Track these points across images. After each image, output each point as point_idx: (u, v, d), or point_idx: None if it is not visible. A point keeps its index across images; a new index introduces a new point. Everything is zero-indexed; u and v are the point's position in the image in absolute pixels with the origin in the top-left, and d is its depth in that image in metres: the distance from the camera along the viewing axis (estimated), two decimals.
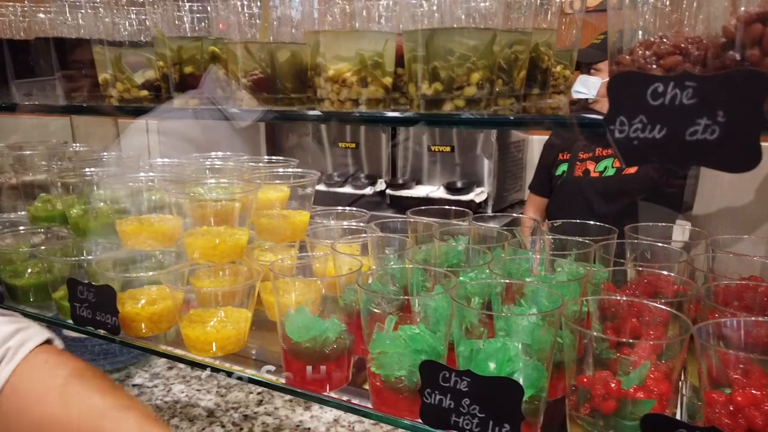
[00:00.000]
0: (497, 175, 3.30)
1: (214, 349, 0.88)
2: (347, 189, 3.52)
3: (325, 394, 0.78)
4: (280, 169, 1.11)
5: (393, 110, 0.67)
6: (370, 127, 3.54)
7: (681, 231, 1.13)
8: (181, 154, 1.26)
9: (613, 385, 0.61)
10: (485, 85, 0.62)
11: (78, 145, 1.48)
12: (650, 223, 1.02)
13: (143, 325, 0.93)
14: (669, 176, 2.46)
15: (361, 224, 1.14)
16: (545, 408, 0.69)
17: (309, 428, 1.33)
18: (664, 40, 0.63)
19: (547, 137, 2.91)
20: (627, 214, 2.41)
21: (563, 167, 2.64)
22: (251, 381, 0.81)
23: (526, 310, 0.78)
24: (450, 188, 3.25)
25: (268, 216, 1.05)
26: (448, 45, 0.61)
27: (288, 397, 1.40)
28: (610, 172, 2.53)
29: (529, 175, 3.11)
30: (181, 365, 1.55)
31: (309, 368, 0.76)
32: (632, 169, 2.46)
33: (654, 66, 0.61)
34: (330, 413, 1.36)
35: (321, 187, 3.57)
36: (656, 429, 0.54)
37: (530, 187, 2.85)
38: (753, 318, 0.61)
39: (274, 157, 1.25)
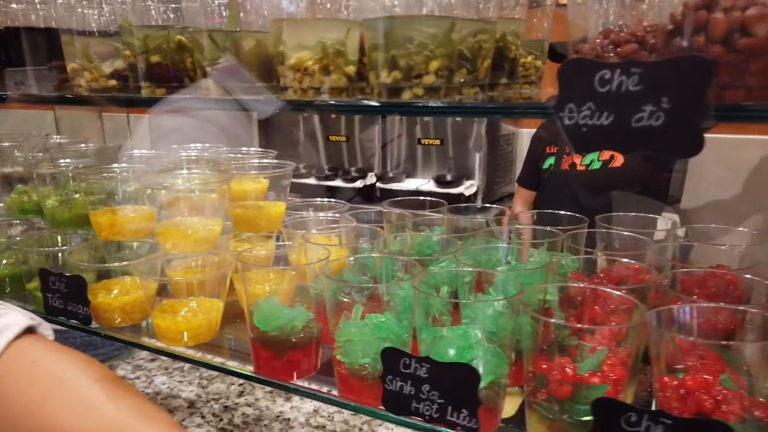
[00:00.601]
0: (487, 168, 3.31)
1: (185, 338, 0.89)
2: (338, 182, 3.52)
3: (292, 382, 0.78)
4: (255, 160, 1.11)
5: (348, 99, 0.67)
6: (362, 121, 3.54)
7: (666, 223, 1.14)
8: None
9: (569, 370, 0.62)
10: (444, 73, 0.63)
11: (58, 137, 1.48)
12: (631, 214, 1.03)
13: (116, 316, 0.94)
14: (655, 169, 2.47)
15: (338, 215, 1.15)
16: (505, 394, 0.70)
17: (288, 419, 1.34)
18: (624, 28, 0.63)
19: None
20: (613, 207, 2.43)
21: (550, 160, 2.65)
22: (217, 369, 0.82)
23: (493, 298, 0.79)
24: (440, 181, 3.26)
25: (243, 207, 1.05)
26: (407, 33, 0.61)
27: (269, 388, 1.41)
28: (596, 165, 2.54)
29: (519, 168, 3.12)
30: (164, 357, 1.56)
31: (276, 357, 0.77)
32: (618, 162, 2.47)
33: (611, 54, 0.62)
34: (310, 404, 1.37)
35: (311, 181, 3.57)
36: (606, 412, 0.55)
37: (518, 180, 2.86)
38: (705, 304, 0.61)
39: (252, 149, 1.25)
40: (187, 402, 1.41)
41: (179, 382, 1.50)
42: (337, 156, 3.71)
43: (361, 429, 1.29)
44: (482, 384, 0.65)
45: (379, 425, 1.28)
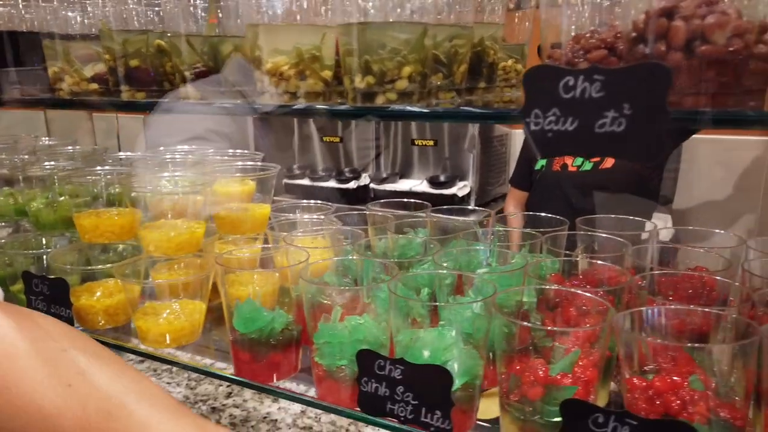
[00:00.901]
0: (480, 169, 3.32)
1: (168, 340, 0.89)
2: (331, 183, 3.53)
3: (271, 383, 0.79)
4: (241, 163, 1.12)
5: (323, 104, 0.68)
6: (356, 122, 3.55)
7: (650, 225, 1.14)
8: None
9: (541, 372, 0.63)
10: (418, 78, 0.63)
11: (47, 138, 1.48)
12: (612, 216, 1.03)
13: (99, 318, 0.94)
14: (646, 170, 2.48)
15: (323, 217, 1.15)
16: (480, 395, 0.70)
17: (275, 420, 1.34)
18: (595, 34, 0.64)
19: None
20: (605, 208, 2.44)
21: (542, 162, 2.66)
22: (195, 370, 0.82)
23: (467, 300, 0.79)
24: (433, 182, 3.27)
25: (228, 209, 1.05)
26: (380, 39, 0.62)
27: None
28: (587, 166, 2.55)
29: (513, 169, 3.13)
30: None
31: (256, 359, 0.77)
32: (608, 164, 2.49)
33: (582, 60, 0.62)
34: (297, 405, 1.38)
35: (305, 182, 3.58)
36: (574, 413, 0.56)
37: (511, 180, 2.87)
38: (674, 306, 0.62)
39: (239, 151, 1.26)
40: None
41: (167, 383, 1.50)
42: (331, 157, 3.72)
43: (347, 430, 1.29)
44: (456, 385, 0.66)
45: (366, 426, 1.28)
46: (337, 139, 3.68)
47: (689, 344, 0.57)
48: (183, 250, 0.94)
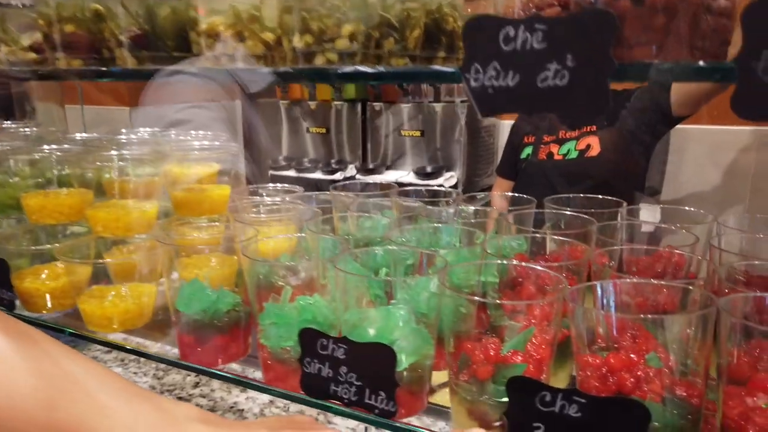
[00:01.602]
0: (467, 159, 3.28)
1: (114, 324, 0.85)
2: (317, 175, 3.48)
3: (217, 367, 0.75)
4: (196, 143, 1.07)
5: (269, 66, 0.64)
6: (342, 113, 3.51)
7: (651, 213, 1.11)
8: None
9: (491, 351, 0.59)
10: (360, 38, 0.60)
11: (9, 122, 1.44)
12: (581, 195, 1.00)
13: (46, 301, 0.90)
14: (632, 159, 2.45)
15: (287, 199, 1.12)
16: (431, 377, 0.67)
17: (243, 409, 1.30)
18: None
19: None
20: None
21: (528, 150, 2.62)
22: (137, 353, 0.78)
23: (429, 280, 0.76)
24: (419, 173, 3.23)
25: (184, 189, 1.01)
26: None
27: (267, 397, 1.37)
28: (573, 155, 2.51)
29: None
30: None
31: (199, 341, 0.74)
32: (594, 152, 2.45)
33: None
34: (266, 395, 1.34)
35: (291, 173, 3.53)
36: (520, 391, 0.52)
37: (497, 170, 2.84)
38: (629, 279, 0.59)
39: (201, 132, 1.21)
40: None
41: (134, 373, 1.46)
42: (318, 148, 3.68)
43: (316, 419, 1.26)
44: (404, 365, 0.62)
45: (335, 416, 1.25)
46: (324, 130, 3.64)
47: (641, 315, 0.54)
48: (133, 231, 0.90)
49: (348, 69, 0.61)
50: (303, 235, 0.84)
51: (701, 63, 0.44)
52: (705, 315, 0.50)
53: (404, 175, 3.34)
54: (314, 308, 0.71)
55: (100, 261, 0.88)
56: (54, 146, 0.94)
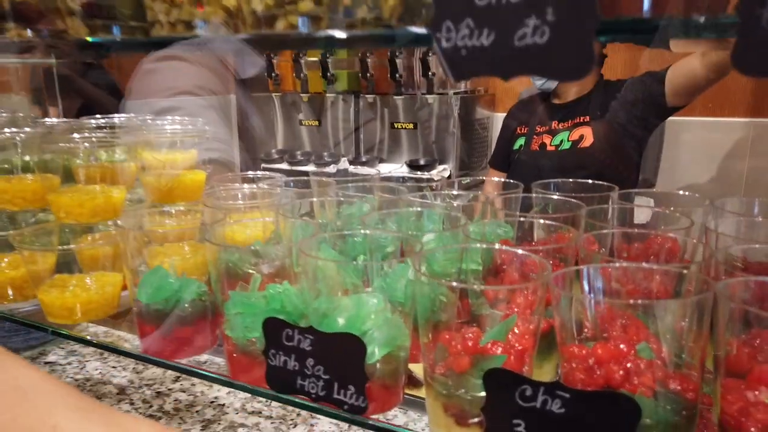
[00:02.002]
0: (461, 152, 3.23)
1: (77, 315, 0.80)
2: (310, 167, 3.43)
3: (180, 360, 0.70)
4: (167, 127, 1.02)
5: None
6: (335, 105, 3.46)
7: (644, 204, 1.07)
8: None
9: (469, 341, 0.55)
10: (327, 1, 0.55)
11: None
12: (570, 180, 0.96)
13: (7, 291, 0.85)
14: (626, 150, 2.41)
15: (265, 187, 1.07)
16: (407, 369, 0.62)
17: (223, 404, 1.26)
18: None
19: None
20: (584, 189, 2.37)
21: (520, 141, 2.58)
22: (99, 346, 0.73)
23: (407, 267, 0.71)
24: (412, 166, 3.18)
25: (156, 175, 0.96)
26: None
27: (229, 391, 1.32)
28: (566, 146, 2.47)
29: None
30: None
31: (162, 332, 0.69)
32: (587, 143, 2.41)
33: None
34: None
35: (283, 166, 3.48)
36: (498, 384, 0.48)
37: (490, 162, 2.79)
38: (618, 263, 0.54)
39: (178, 117, 1.16)
40: (118, 388, 1.32)
41: (113, 367, 1.41)
42: (311, 141, 3.62)
43: (299, 414, 1.21)
44: (376, 357, 0.58)
45: (316, 415, 1.20)
46: (316, 123, 3.59)
47: (631, 301, 0.49)
48: (99, 217, 0.85)
49: (320, 33, 0.56)
50: (271, 219, 0.79)
51: (697, 17, 0.39)
52: (701, 300, 0.45)
53: (397, 167, 3.28)
54: (284, 297, 0.66)
55: (60, 248, 0.83)
56: (15, 129, 0.89)
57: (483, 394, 0.52)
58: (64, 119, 1.10)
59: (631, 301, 0.48)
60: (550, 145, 2.48)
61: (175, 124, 1.08)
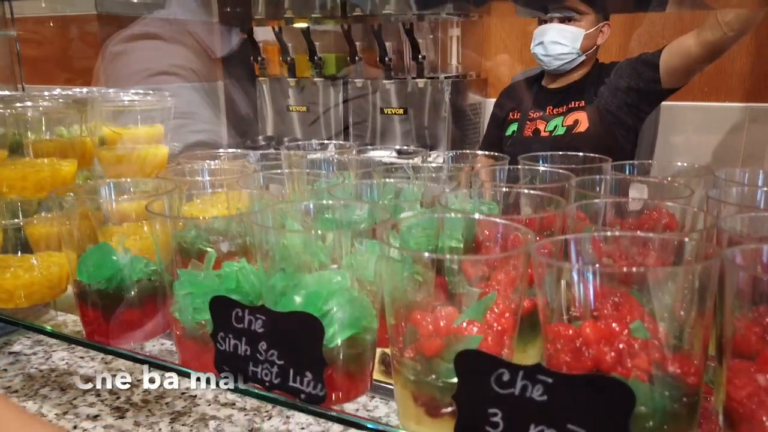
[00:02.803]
0: (452, 139, 3.17)
1: (19, 298, 0.73)
2: (289, 151, 3.35)
3: (122, 346, 0.64)
4: (126, 99, 0.95)
5: None
6: (323, 90, 3.38)
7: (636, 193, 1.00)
8: None
9: (442, 321, 0.48)
10: None
11: None
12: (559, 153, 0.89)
13: None
14: (620, 135, 2.35)
15: (236, 163, 1.00)
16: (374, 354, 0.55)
17: (195, 395, 1.19)
18: None
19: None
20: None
21: (513, 127, 2.52)
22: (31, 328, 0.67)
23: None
24: (402, 153, 3.11)
25: (112, 149, 0.89)
26: None
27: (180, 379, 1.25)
28: (561, 131, 2.41)
29: None
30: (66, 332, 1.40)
31: (105, 316, 0.62)
32: (582, 128, 2.35)
33: None
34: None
35: (271, 153, 3.40)
36: (472, 368, 0.41)
37: (480, 148, 2.73)
38: (610, 232, 0.47)
39: (141, 90, 1.09)
40: (84, 379, 1.25)
41: (80, 357, 1.34)
42: (300, 127, 3.55)
43: (275, 405, 1.15)
44: (338, 340, 0.51)
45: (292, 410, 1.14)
46: (305, 109, 3.51)
47: (625, 269, 0.43)
48: (45, 192, 0.78)
49: None
50: (224, 190, 0.72)
51: None
52: (707, 268, 0.39)
53: (387, 154, 3.21)
54: (240, 275, 0.59)
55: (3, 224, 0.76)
56: None
57: (456, 380, 0.45)
58: (6, 93, 1.02)
59: (625, 269, 0.42)
60: (544, 131, 2.42)
61: (137, 96, 1.00)
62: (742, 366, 0.40)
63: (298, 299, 0.51)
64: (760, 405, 0.37)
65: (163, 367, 0.60)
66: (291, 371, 0.49)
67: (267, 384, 0.51)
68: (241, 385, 0.51)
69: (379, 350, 0.79)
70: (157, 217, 0.58)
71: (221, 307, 0.51)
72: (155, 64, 1.50)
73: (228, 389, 0.54)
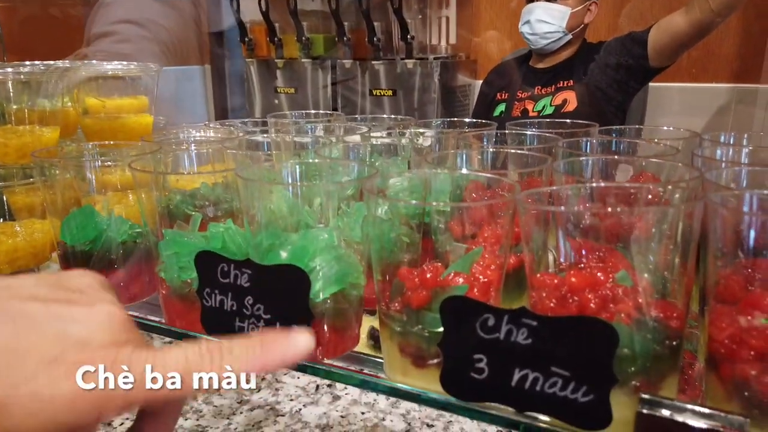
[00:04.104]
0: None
1: (3, 264, 0.72)
2: (277, 119, 3.33)
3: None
4: (110, 68, 0.93)
5: None
6: (311, 71, 3.35)
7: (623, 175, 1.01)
8: None
9: (428, 274, 0.48)
10: None
11: None
12: (553, 119, 0.89)
13: None
14: (609, 114, 2.35)
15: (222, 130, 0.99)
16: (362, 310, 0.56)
17: None
18: None
19: None
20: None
21: (501, 107, 2.51)
22: None
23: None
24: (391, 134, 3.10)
25: (93, 117, 0.88)
26: None
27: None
28: (549, 111, 2.41)
29: None
30: None
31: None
32: (570, 107, 2.35)
33: None
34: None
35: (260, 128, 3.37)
36: (457, 314, 0.41)
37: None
38: (597, 184, 0.48)
39: (123, 61, 1.07)
40: None
41: None
42: (289, 109, 3.52)
43: (263, 378, 1.15)
44: (324, 295, 0.51)
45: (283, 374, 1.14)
46: (293, 90, 3.48)
47: (609, 209, 0.43)
48: (26, 158, 0.77)
49: None
50: (212, 148, 0.71)
51: None
52: (690, 209, 0.39)
53: (376, 136, 3.20)
54: (226, 235, 0.59)
55: None
56: None
57: (440, 329, 0.46)
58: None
59: (609, 210, 0.42)
60: (533, 111, 2.42)
61: (120, 66, 0.99)
62: (724, 309, 0.40)
63: (284, 254, 0.51)
64: (741, 345, 0.38)
65: (150, 328, 0.59)
66: (277, 325, 0.49)
67: None
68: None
69: (368, 324, 0.80)
70: (142, 176, 0.58)
71: (207, 262, 0.51)
72: (123, 14, 1.47)
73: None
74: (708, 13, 1.94)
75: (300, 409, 0.82)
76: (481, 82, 3.27)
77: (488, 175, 0.55)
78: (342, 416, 0.79)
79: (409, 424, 0.76)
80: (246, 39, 3.32)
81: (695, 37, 2.03)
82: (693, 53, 2.66)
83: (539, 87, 2.46)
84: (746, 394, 0.37)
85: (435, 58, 3.07)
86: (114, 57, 1.22)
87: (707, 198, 0.39)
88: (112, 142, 0.73)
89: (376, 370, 0.86)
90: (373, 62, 3.13)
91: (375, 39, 3.00)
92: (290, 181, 0.64)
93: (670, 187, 0.45)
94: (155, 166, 0.64)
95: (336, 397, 0.83)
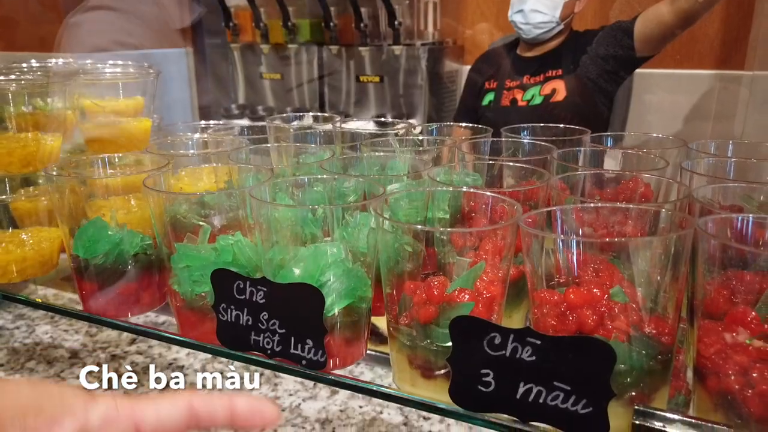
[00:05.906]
0: (429, 107, 3.17)
1: (11, 273, 0.74)
2: (274, 123, 3.31)
3: (123, 319, 0.65)
4: (107, 71, 0.94)
5: None
6: (297, 57, 3.32)
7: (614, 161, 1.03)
8: None
9: (435, 290, 0.51)
10: None
11: None
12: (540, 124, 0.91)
13: None
14: (597, 103, 2.38)
15: (220, 134, 1.00)
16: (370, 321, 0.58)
17: (183, 365, 1.21)
18: None
19: None
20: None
21: (489, 96, 2.53)
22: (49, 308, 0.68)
23: (370, 215, 0.66)
24: (379, 122, 3.11)
25: (93, 123, 0.88)
26: None
27: (186, 351, 1.27)
28: (538, 100, 2.43)
29: None
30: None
31: (102, 289, 0.63)
32: (559, 97, 2.38)
33: None
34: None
35: (244, 122, 3.35)
36: (466, 332, 0.44)
37: (454, 118, 2.74)
38: (593, 203, 0.50)
39: (121, 61, 1.07)
40: (70, 352, 1.26)
41: (64, 331, 1.34)
42: (274, 95, 3.49)
43: (262, 374, 1.18)
44: (336, 309, 0.54)
45: (280, 375, 1.17)
46: (279, 77, 3.46)
47: (606, 239, 0.46)
48: (31, 167, 0.78)
49: None
50: (217, 163, 0.72)
51: None
52: (681, 237, 0.42)
53: (364, 124, 3.20)
54: (235, 248, 0.61)
55: None
56: None
57: (449, 344, 0.48)
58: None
59: (607, 239, 0.45)
60: (521, 100, 2.44)
61: (117, 67, 0.99)
62: (711, 326, 0.44)
63: (297, 271, 0.53)
64: (727, 360, 0.41)
65: (158, 337, 0.62)
66: (292, 339, 0.52)
67: (269, 351, 0.54)
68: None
69: None
70: (154, 193, 0.59)
71: (223, 279, 0.53)
72: (98, 39, 1.45)
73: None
74: (693, 3, 1.97)
75: (299, 404, 0.85)
76: (468, 67, 3.28)
77: (490, 194, 0.57)
78: (341, 410, 0.82)
79: (406, 417, 0.79)
80: (231, 24, 3.28)
81: (681, 26, 2.06)
82: (677, 40, 2.69)
83: (528, 76, 2.48)
84: (731, 405, 0.40)
85: (422, 44, 3.07)
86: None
87: (695, 224, 0.42)
88: (119, 155, 0.74)
89: (372, 363, 0.89)
90: (360, 48, 3.12)
91: (362, 25, 2.99)
92: (294, 193, 0.66)
93: (662, 210, 0.48)
94: (165, 180, 0.65)
95: (334, 392, 0.85)
